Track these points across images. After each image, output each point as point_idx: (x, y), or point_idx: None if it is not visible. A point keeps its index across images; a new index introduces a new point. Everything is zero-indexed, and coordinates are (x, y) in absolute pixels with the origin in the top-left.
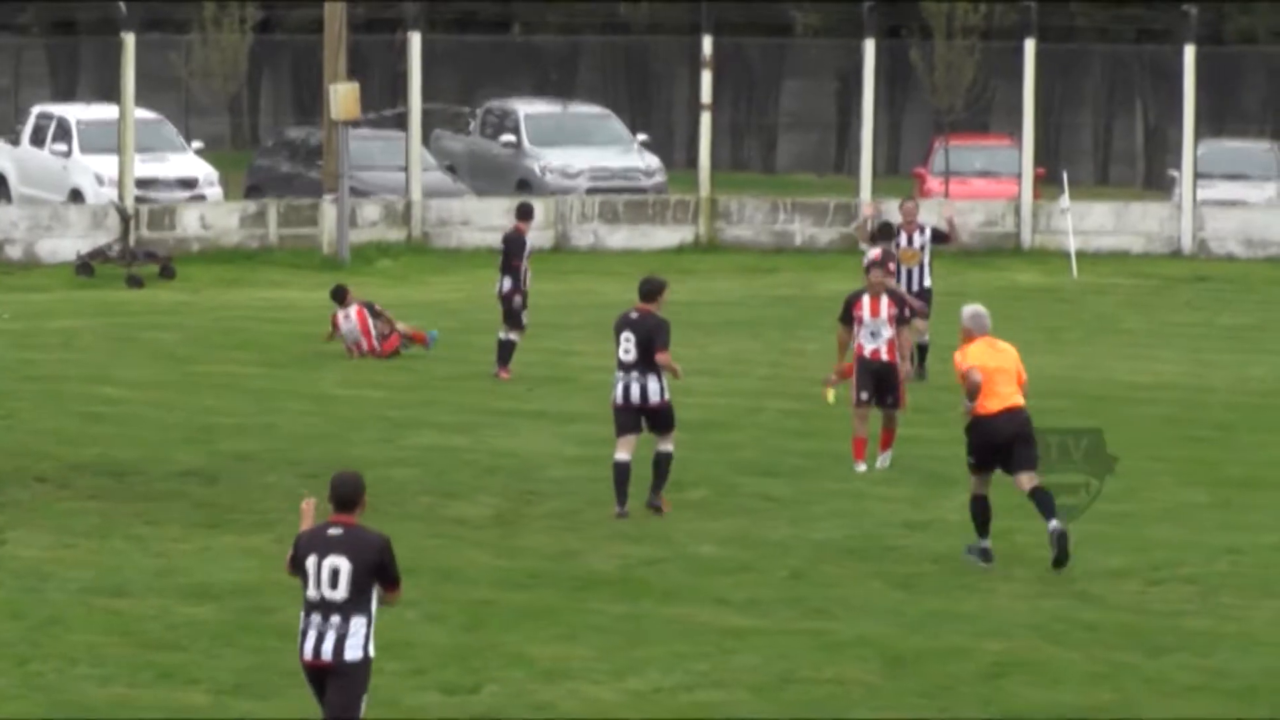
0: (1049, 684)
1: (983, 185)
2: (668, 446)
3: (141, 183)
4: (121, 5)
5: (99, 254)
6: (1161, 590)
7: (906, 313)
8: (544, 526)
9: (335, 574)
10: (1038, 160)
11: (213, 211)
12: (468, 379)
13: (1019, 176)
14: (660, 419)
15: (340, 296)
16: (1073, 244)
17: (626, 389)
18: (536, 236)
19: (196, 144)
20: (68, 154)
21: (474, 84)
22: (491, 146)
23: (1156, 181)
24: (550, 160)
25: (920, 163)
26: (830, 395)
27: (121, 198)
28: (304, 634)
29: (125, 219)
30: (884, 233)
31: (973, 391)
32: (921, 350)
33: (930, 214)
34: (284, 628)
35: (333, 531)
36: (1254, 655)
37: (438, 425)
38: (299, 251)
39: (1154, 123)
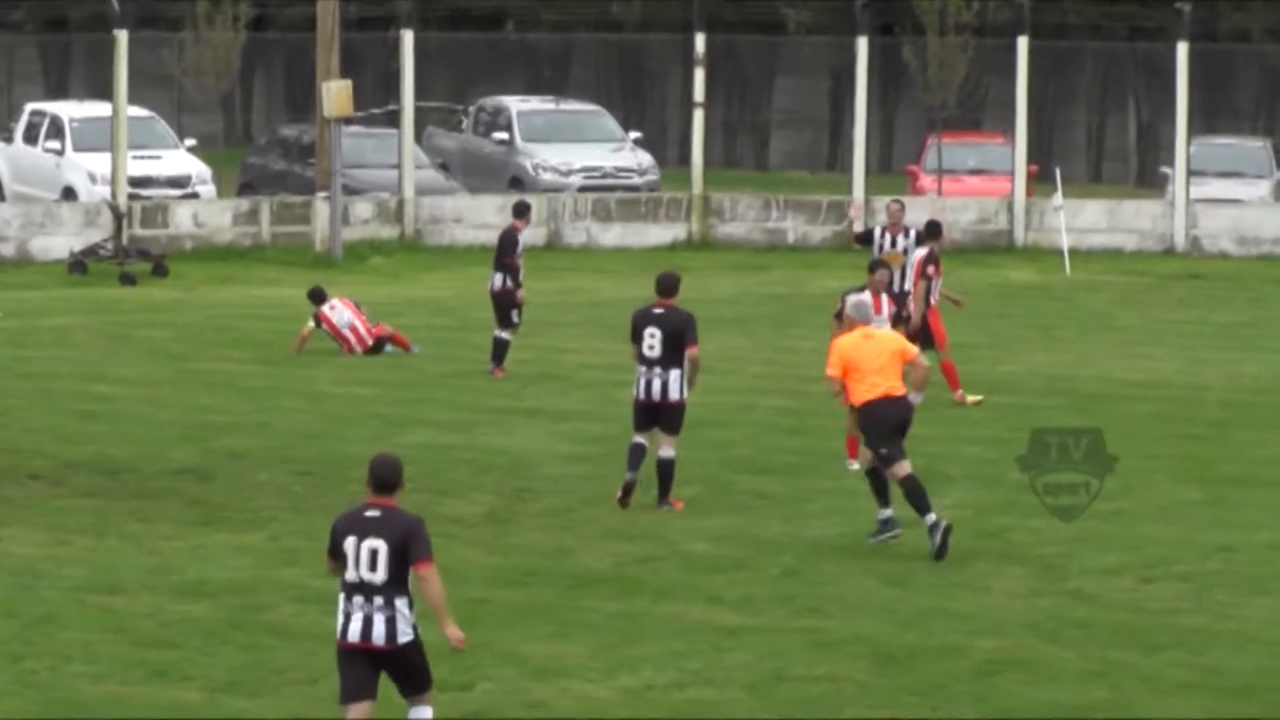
0: (1042, 682)
1: (976, 183)
2: (669, 452)
3: (135, 180)
4: (114, 3)
5: (92, 252)
6: (1155, 588)
7: (904, 313)
8: (538, 524)
9: (374, 555)
10: (1031, 158)
11: (206, 209)
12: (461, 377)
13: (1012, 174)
14: (669, 416)
15: (320, 297)
16: (1066, 241)
17: (648, 384)
18: (529, 234)
19: (189, 142)
20: (61, 152)
21: (467, 81)
22: (484, 144)
23: (1149, 179)
24: (543, 158)
25: (913, 160)
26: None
27: (115, 195)
28: (347, 617)
29: (118, 217)
30: (864, 239)
31: (834, 391)
32: None
33: (923, 212)
34: (278, 626)
35: (371, 513)
36: (1248, 653)
37: (432, 423)
38: (292, 249)
39: (1147, 120)
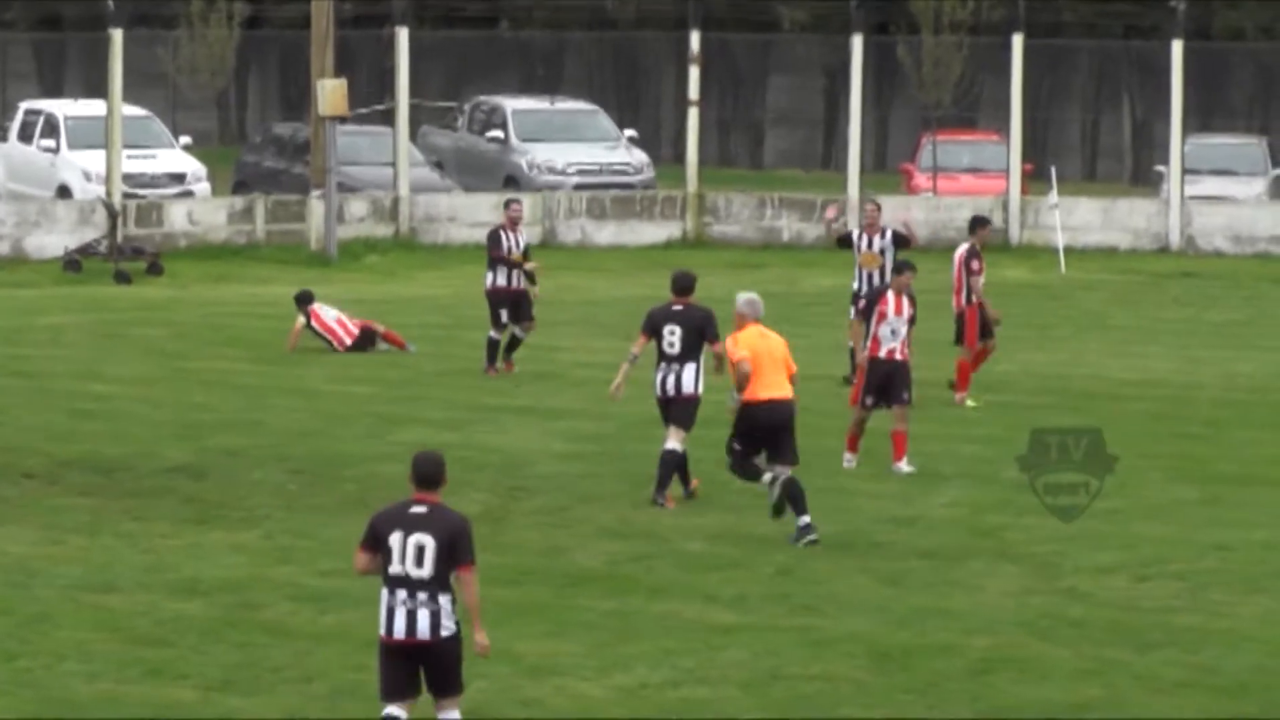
0: (1037, 680)
1: (970, 181)
2: (674, 445)
3: (129, 178)
4: (109, 1)
5: (87, 250)
6: (1150, 587)
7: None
8: (532, 523)
9: (420, 551)
10: (1025, 156)
11: (200, 207)
12: (456, 375)
13: (1007, 172)
14: (682, 409)
15: (308, 299)
16: (1060, 240)
17: (664, 380)
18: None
19: (184, 140)
20: (56, 150)
21: (461, 80)
22: (479, 142)
23: (1144, 177)
24: (538, 156)
25: (908, 159)
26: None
27: (109, 194)
28: (391, 612)
29: (113, 215)
30: (844, 242)
31: (742, 381)
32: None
33: (917, 209)
34: (272, 624)
35: (416, 509)
36: (1242, 652)
37: (426, 421)
38: (286, 247)
39: (1141, 118)
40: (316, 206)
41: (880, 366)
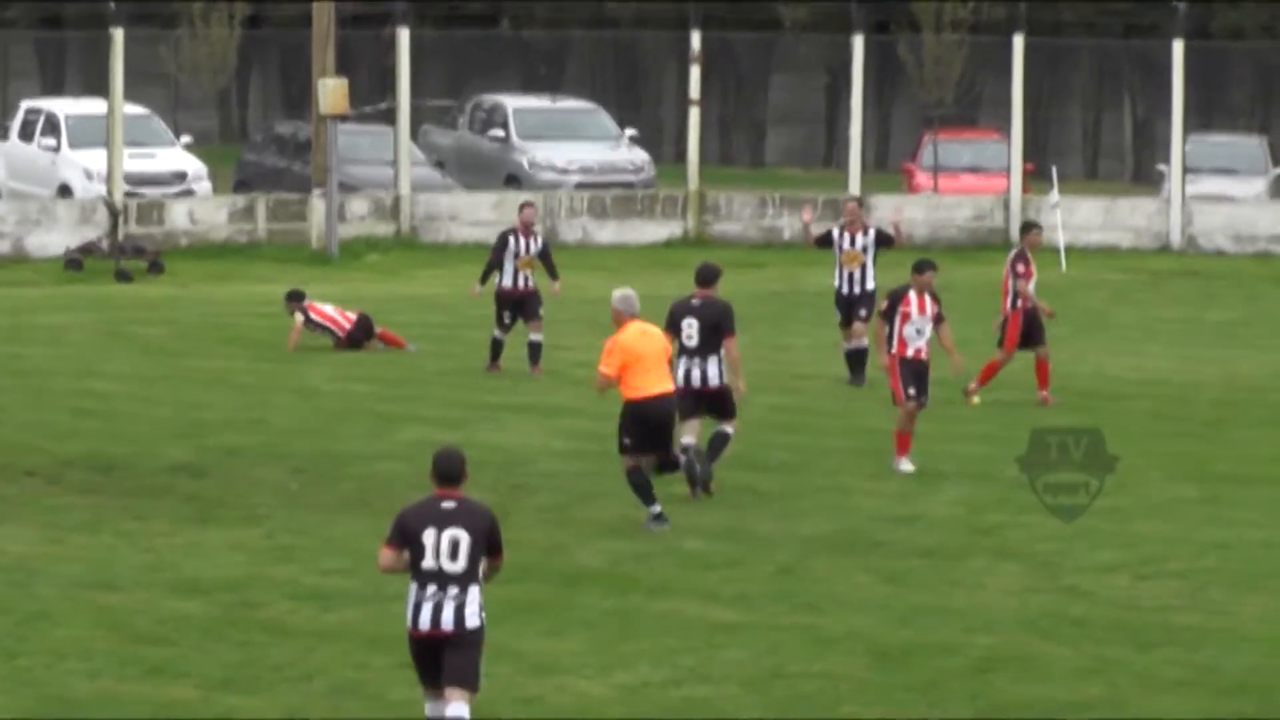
0: (1037, 679)
1: (971, 180)
2: (727, 428)
3: (130, 177)
4: (110, 1)
5: (88, 249)
6: (1150, 585)
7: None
8: (532, 521)
9: (455, 546)
10: (1026, 155)
11: (201, 206)
12: (456, 374)
13: (1007, 171)
14: (720, 402)
15: (300, 297)
16: (1061, 239)
17: (688, 374)
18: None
19: (185, 139)
20: (56, 149)
21: (462, 79)
22: (480, 141)
23: (1145, 176)
24: (539, 155)
25: (909, 157)
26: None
27: (110, 192)
28: (418, 606)
29: (114, 214)
30: (823, 241)
31: (602, 388)
32: (861, 355)
33: (918, 207)
34: (272, 623)
35: (446, 505)
36: (1242, 651)
37: (426, 420)
38: (288, 246)
39: (1142, 117)
40: (318, 205)
41: (911, 366)
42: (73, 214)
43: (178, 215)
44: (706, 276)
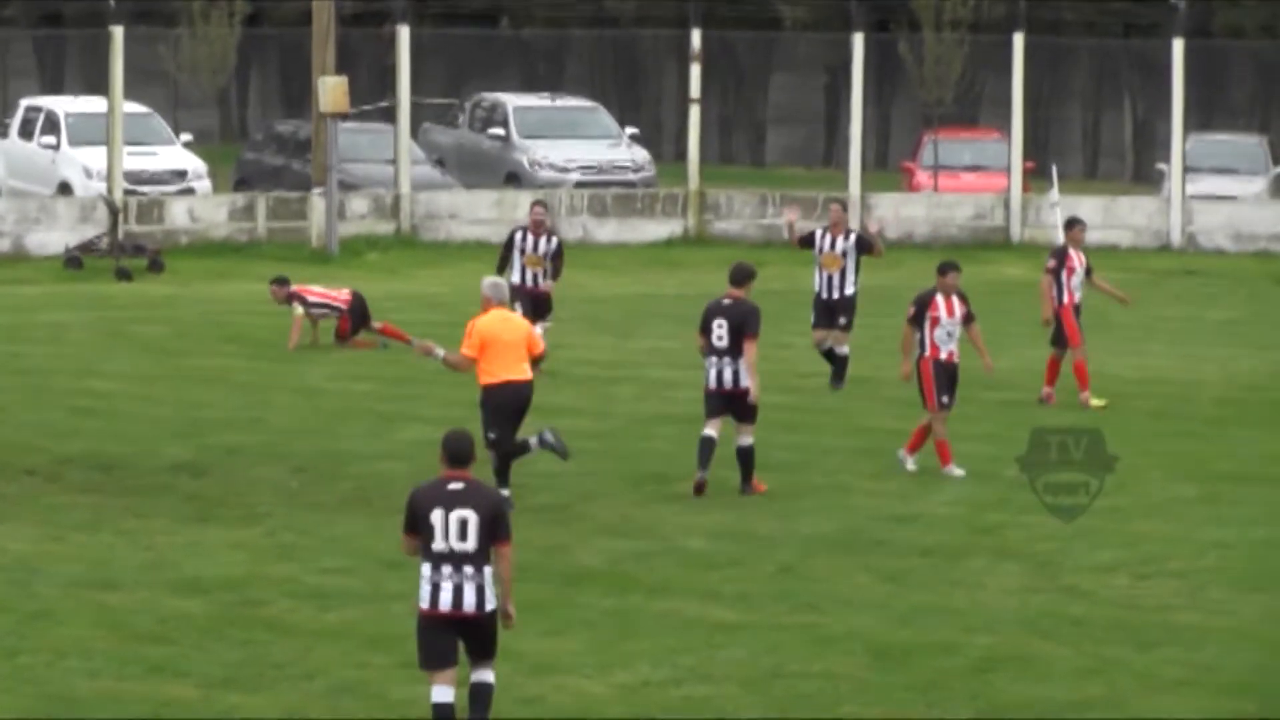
0: (1037, 678)
1: (971, 179)
2: (747, 440)
3: (130, 175)
4: None
5: (88, 247)
6: (1150, 585)
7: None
8: (532, 520)
9: (464, 525)
10: (1026, 154)
11: (201, 205)
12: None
13: (1008, 170)
14: (743, 405)
15: (286, 280)
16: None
17: (719, 374)
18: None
19: (185, 137)
20: (56, 147)
21: (462, 77)
22: (480, 140)
23: (1145, 175)
24: (539, 153)
25: (909, 156)
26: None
27: (110, 191)
28: (436, 586)
29: (114, 212)
30: (806, 243)
31: (462, 369)
32: (842, 360)
33: (918, 207)
34: (273, 621)
35: (454, 486)
36: (1242, 650)
37: (426, 419)
38: (288, 245)
39: (1142, 117)
40: (318, 204)
41: (944, 368)
42: (72, 212)
43: (178, 214)
44: (738, 277)
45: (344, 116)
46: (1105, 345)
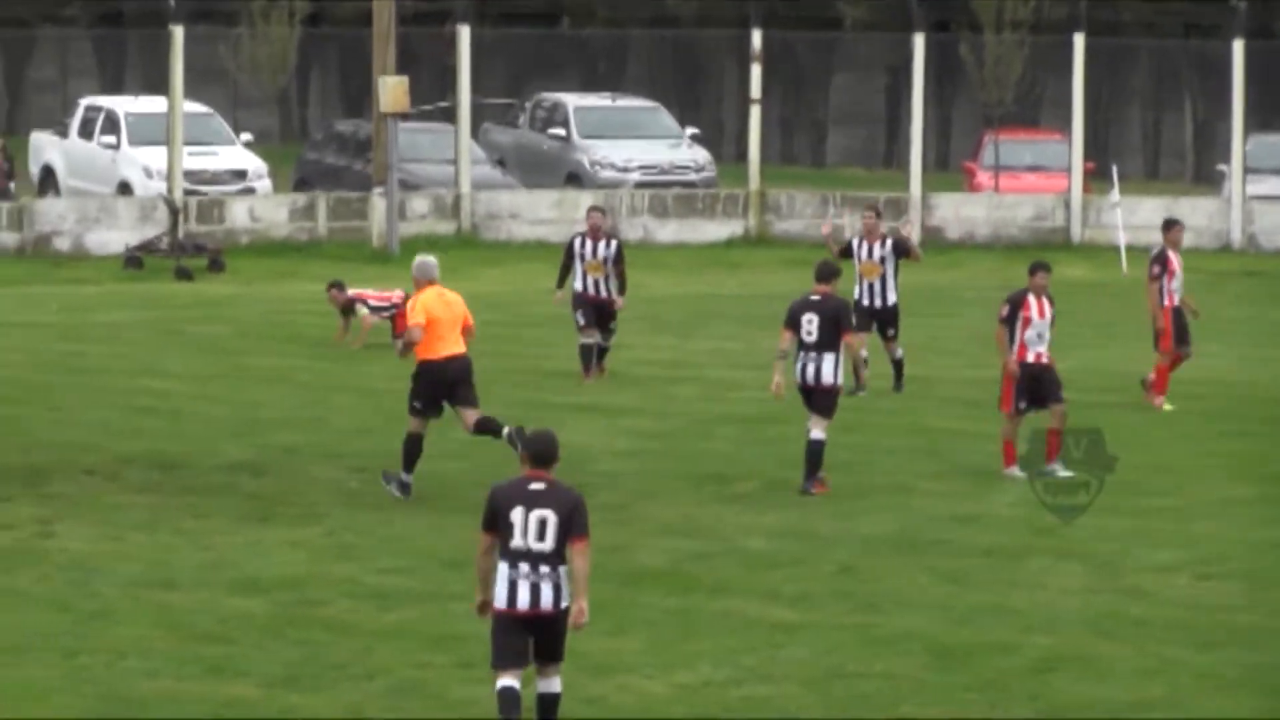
0: (1098, 679)
1: (1032, 179)
2: (819, 434)
3: (190, 175)
4: None
5: (148, 247)
6: (1210, 585)
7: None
8: (594, 520)
9: (543, 525)
10: (1087, 155)
11: (262, 204)
12: (516, 373)
13: (1068, 171)
14: (822, 399)
15: (343, 284)
16: (1122, 239)
17: (803, 368)
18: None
19: (245, 137)
20: (116, 146)
21: (522, 77)
22: (541, 140)
23: (1206, 176)
24: (599, 153)
25: (970, 157)
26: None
27: (170, 190)
28: (513, 585)
29: (174, 212)
30: (845, 253)
31: (409, 344)
32: (898, 365)
33: (979, 207)
34: (332, 621)
35: (535, 486)
36: None
37: None
38: (348, 244)
39: (1203, 117)
40: (378, 203)
41: (1029, 370)
42: (133, 212)
43: (238, 213)
44: (825, 273)
45: (404, 116)
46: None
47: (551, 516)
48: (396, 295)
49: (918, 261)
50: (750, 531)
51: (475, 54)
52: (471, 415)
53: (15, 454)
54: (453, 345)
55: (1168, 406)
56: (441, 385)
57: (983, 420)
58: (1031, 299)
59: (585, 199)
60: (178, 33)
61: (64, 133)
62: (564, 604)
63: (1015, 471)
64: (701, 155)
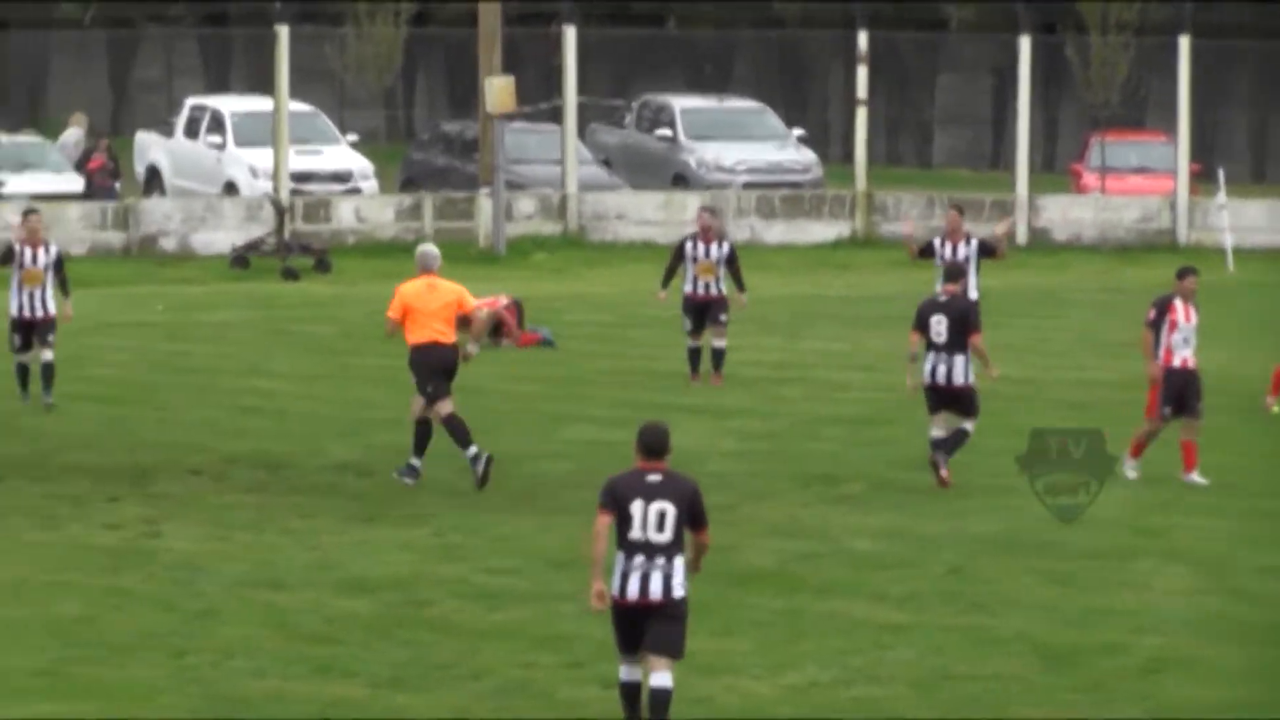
0: (1205, 680)
1: (1139, 181)
2: (967, 425)
3: (296, 176)
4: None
5: (254, 247)
6: None
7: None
8: None
9: (662, 517)
10: (1193, 156)
11: (368, 205)
12: (623, 373)
13: (1174, 172)
14: (962, 401)
15: None
16: (1229, 240)
17: (934, 370)
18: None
19: (351, 137)
20: (222, 146)
21: (628, 78)
22: (647, 140)
23: None
24: (706, 154)
25: (1076, 158)
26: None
27: (276, 190)
28: (625, 576)
29: (280, 211)
30: (925, 253)
31: (388, 332)
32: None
33: (1085, 209)
34: (439, 621)
35: (652, 478)
36: None
37: (592, 419)
38: (455, 245)
39: None
40: (485, 204)
41: (1177, 376)
42: (238, 212)
43: (344, 213)
44: (953, 274)
45: (510, 117)
46: (1271, 347)
47: (670, 509)
48: (502, 300)
49: (1001, 259)
50: (857, 532)
51: (581, 55)
52: (444, 406)
53: (122, 454)
54: (435, 333)
55: (1276, 409)
56: (429, 366)
57: (1086, 423)
58: (1179, 303)
59: (692, 200)
60: (283, 33)
61: (169, 133)
62: (676, 594)
63: (1129, 469)
64: (808, 156)
